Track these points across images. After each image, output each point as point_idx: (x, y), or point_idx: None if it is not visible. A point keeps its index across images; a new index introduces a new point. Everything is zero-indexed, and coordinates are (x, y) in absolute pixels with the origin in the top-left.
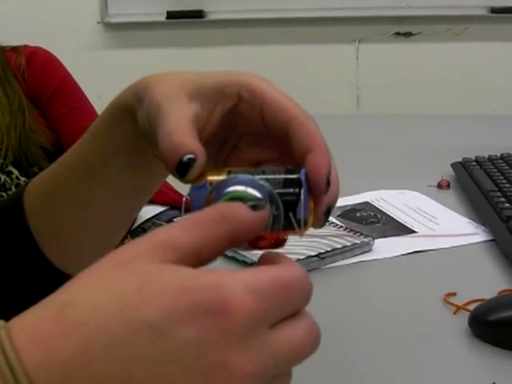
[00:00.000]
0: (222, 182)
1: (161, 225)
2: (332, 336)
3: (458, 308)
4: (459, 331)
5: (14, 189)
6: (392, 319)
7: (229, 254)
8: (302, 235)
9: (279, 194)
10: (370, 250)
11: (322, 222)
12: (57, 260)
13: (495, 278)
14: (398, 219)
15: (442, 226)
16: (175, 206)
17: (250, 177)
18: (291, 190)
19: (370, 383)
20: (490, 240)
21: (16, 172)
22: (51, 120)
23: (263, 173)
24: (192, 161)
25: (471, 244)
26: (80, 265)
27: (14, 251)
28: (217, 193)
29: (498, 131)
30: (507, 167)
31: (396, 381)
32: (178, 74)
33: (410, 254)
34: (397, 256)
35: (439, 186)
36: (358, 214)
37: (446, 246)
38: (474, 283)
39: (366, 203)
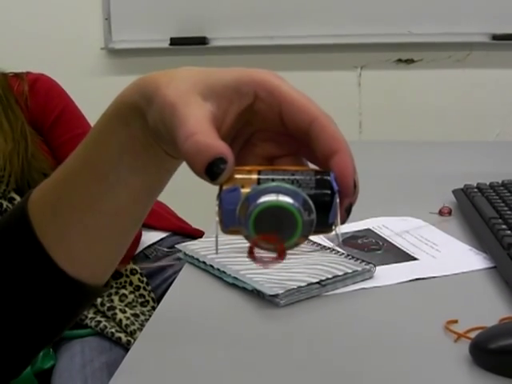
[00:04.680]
0: (256, 191)
1: (163, 251)
2: (332, 362)
3: (459, 336)
4: (460, 359)
5: None
6: (392, 347)
7: (229, 280)
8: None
9: (311, 196)
10: (371, 277)
11: (344, 219)
12: (68, 267)
13: (496, 305)
14: (399, 246)
15: (444, 253)
16: (177, 231)
17: (283, 185)
18: (324, 194)
19: None
20: (491, 267)
21: (18, 198)
22: (54, 147)
23: (293, 175)
24: (222, 163)
25: (472, 271)
26: (91, 269)
27: (24, 262)
28: (250, 201)
29: (500, 158)
30: (509, 194)
31: None
32: (186, 72)
33: (411, 281)
34: (398, 283)
35: (441, 213)
36: (359, 241)
37: (447, 274)
38: (476, 311)
39: (368, 230)
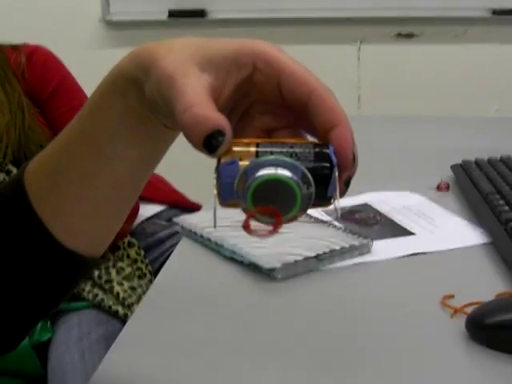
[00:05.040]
0: (254, 164)
1: (161, 224)
2: (329, 337)
3: (456, 311)
4: (456, 334)
5: None
6: (389, 321)
7: (227, 254)
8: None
9: (310, 170)
10: (368, 252)
11: (342, 192)
12: (65, 239)
13: (493, 280)
14: (396, 221)
15: (441, 228)
16: (175, 205)
17: (281, 158)
18: (322, 167)
19: (364, 380)
20: (489, 243)
21: (15, 170)
22: (51, 119)
23: (291, 147)
24: (220, 135)
25: (469, 247)
26: (89, 241)
27: (21, 234)
28: (248, 174)
29: (499, 134)
30: (507, 169)
31: (390, 381)
32: (183, 42)
33: (408, 256)
34: (395, 258)
35: (439, 188)
36: (357, 216)
37: (444, 249)
38: (472, 286)
39: (366, 205)
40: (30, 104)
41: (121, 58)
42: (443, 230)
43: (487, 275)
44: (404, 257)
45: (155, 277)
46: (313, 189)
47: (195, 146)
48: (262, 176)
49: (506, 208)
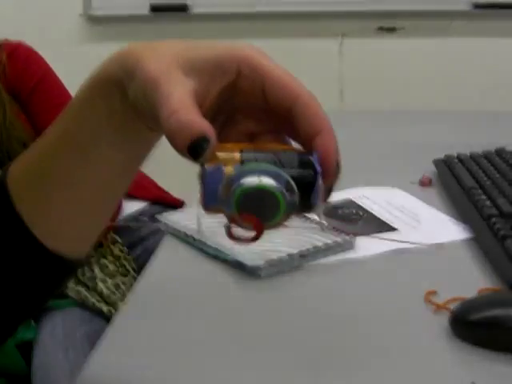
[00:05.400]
0: (239, 172)
1: (144, 221)
2: (314, 334)
3: (438, 307)
4: (440, 331)
5: None
6: (372, 318)
7: (210, 252)
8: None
9: (294, 177)
10: (351, 248)
11: (325, 199)
12: (48, 241)
13: (475, 276)
14: (379, 217)
15: (424, 223)
16: (158, 201)
17: (265, 166)
18: (306, 174)
19: (350, 381)
20: (471, 238)
21: None
22: (33, 116)
23: (275, 154)
24: (205, 142)
25: (452, 242)
26: (73, 243)
27: (4, 236)
28: (233, 182)
29: (481, 128)
30: (488, 164)
31: (376, 380)
32: (168, 46)
33: (391, 251)
34: (378, 254)
35: (421, 183)
36: (339, 212)
37: (427, 244)
38: (455, 282)
39: (349, 201)
40: (11, 100)
41: (103, 52)
42: (426, 225)
43: (470, 270)
44: (387, 253)
45: (139, 274)
46: (296, 196)
47: (179, 151)
48: (246, 184)
49: (488, 203)
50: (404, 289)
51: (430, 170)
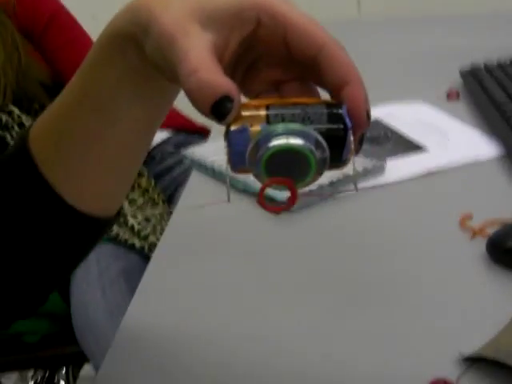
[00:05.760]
0: (265, 134)
1: (169, 151)
2: (348, 266)
3: (475, 233)
4: (477, 256)
5: (16, 127)
6: (407, 245)
7: (240, 187)
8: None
9: (324, 133)
10: (382, 173)
11: (357, 151)
12: (77, 201)
13: (510, 195)
14: (408, 137)
15: (453, 141)
16: (182, 129)
17: (293, 126)
18: (337, 129)
19: (384, 307)
20: (503, 155)
21: (16, 110)
22: (48, 53)
23: (303, 109)
24: (229, 102)
25: (484, 161)
26: (101, 202)
27: (32, 200)
28: (260, 144)
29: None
30: None
31: (410, 307)
32: None
33: (422, 174)
34: (409, 177)
35: (448, 96)
36: (367, 134)
37: (459, 164)
38: (490, 203)
39: (375, 121)
40: (24, 41)
41: None
42: (456, 143)
43: (503, 190)
44: (418, 175)
45: (169, 205)
46: (327, 153)
47: (202, 112)
48: (274, 146)
49: None
50: (438, 214)
51: (456, 81)
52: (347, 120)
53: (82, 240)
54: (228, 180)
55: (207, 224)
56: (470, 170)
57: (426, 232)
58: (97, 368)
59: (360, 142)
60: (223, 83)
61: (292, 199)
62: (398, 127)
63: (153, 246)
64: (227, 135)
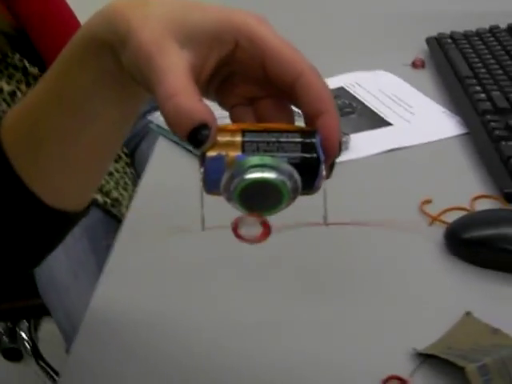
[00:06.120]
0: (240, 167)
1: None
2: (307, 242)
3: (434, 219)
4: (435, 243)
5: None
6: (364, 229)
7: None
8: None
9: (297, 163)
10: (346, 149)
11: (328, 176)
12: (48, 197)
13: (470, 179)
14: (373, 109)
15: (418, 116)
16: None
17: (267, 160)
18: (310, 159)
19: (332, 297)
20: (466, 133)
21: None
22: (10, 1)
23: (278, 138)
24: (206, 129)
25: (446, 139)
26: (72, 198)
27: (2, 193)
28: (234, 177)
29: None
30: (483, 47)
31: (361, 298)
32: (160, 9)
33: (386, 152)
34: (373, 155)
35: (414, 65)
36: None
37: (422, 142)
38: (450, 186)
39: (341, 89)
40: None
41: None
42: (420, 119)
43: (464, 172)
44: (382, 153)
45: (130, 159)
46: (299, 183)
47: (179, 137)
48: (248, 179)
49: (483, 96)
50: (399, 196)
51: (422, 48)
52: (320, 151)
53: (51, 232)
54: (202, 207)
55: (174, 192)
56: (432, 149)
57: (385, 213)
58: (58, 322)
59: (331, 169)
60: (201, 111)
61: (264, 234)
62: (363, 96)
63: (115, 202)
64: (203, 161)
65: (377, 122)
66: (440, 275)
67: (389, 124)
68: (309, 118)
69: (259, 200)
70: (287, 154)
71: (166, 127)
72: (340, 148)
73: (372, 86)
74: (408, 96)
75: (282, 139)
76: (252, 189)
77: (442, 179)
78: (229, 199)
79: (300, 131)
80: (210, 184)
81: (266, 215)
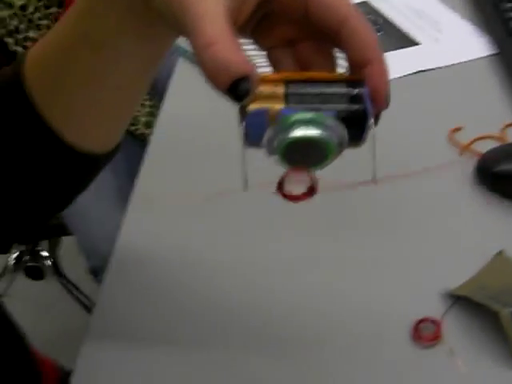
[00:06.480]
0: (283, 124)
1: None
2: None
3: (464, 148)
4: (466, 176)
5: None
6: (396, 154)
7: None
8: None
9: (343, 115)
10: None
11: (375, 126)
12: (75, 140)
13: (500, 103)
14: (399, 27)
15: (446, 34)
16: None
17: (310, 116)
18: (357, 112)
19: (365, 237)
20: (495, 53)
21: None
22: None
23: (323, 88)
24: (246, 83)
25: (475, 60)
26: (99, 141)
27: (28, 138)
28: (278, 132)
29: None
30: None
31: (393, 237)
32: None
33: (413, 74)
34: (400, 77)
35: None
36: None
37: (450, 63)
38: (479, 111)
39: (365, 4)
40: None
41: None
42: (448, 37)
43: (495, 96)
44: (409, 75)
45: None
46: (346, 137)
47: (217, 90)
48: (292, 137)
49: None
50: (427, 123)
51: None
52: (368, 103)
53: (77, 173)
54: (245, 169)
55: (196, 122)
56: (460, 70)
57: (413, 146)
58: (79, 241)
59: (377, 119)
60: (241, 62)
61: (311, 191)
62: (389, 14)
63: (132, 118)
64: (243, 115)
65: (403, 41)
66: (472, 210)
67: (415, 43)
68: (354, 66)
69: (304, 155)
70: (333, 106)
71: (188, 48)
72: (388, 100)
73: (397, 0)
74: (435, 12)
75: (327, 90)
76: (297, 145)
77: (470, 105)
78: (271, 154)
79: (346, 81)
80: (251, 138)
81: (310, 170)
